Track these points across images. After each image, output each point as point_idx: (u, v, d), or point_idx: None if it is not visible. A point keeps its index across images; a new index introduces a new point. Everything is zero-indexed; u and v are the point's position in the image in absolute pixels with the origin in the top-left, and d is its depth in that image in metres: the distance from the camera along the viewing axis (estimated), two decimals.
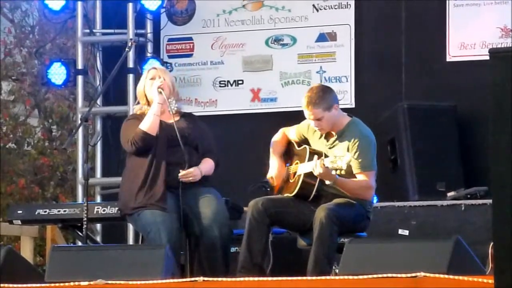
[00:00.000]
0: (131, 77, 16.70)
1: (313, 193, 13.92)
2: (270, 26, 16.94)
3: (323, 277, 12.58)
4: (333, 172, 13.70)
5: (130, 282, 11.91)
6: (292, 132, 14.49)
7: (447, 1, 16.11)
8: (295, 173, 14.06)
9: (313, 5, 16.78)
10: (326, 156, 13.90)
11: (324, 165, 13.54)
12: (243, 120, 15.95)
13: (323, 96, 14.31)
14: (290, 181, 14.19)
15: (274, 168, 14.29)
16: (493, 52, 11.21)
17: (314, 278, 12.70)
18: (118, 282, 12.08)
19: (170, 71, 16.39)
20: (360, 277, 11.89)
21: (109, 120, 17.37)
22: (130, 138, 14.90)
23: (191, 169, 14.45)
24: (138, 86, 15.17)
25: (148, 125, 14.65)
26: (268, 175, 14.32)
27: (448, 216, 14.10)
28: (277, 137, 14.55)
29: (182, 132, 14.66)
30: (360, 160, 13.85)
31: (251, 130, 15.16)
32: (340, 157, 13.40)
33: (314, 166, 13.67)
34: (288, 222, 14.35)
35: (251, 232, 14.06)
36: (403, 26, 16.59)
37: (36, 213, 17.00)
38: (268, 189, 14.42)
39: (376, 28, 16.50)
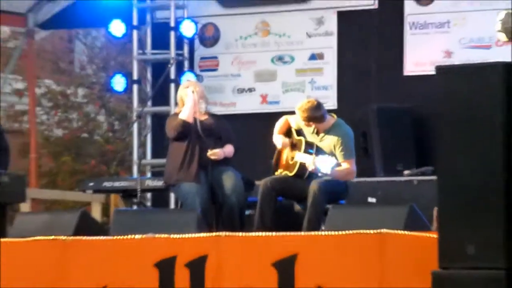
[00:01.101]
0: (172, 86, 16.72)
1: (307, 174, 14.08)
2: (275, 48, 16.94)
3: (314, 233, 12.68)
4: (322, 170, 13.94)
5: (172, 236, 11.94)
6: (293, 121, 14.53)
7: (404, 30, 16.14)
8: (293, 158, 14.21)
9: (307, 33, 16.81)
10: (318, 151, 14.10)
11: (316, 166, 13.71)
12: (255, 118, 16.08)
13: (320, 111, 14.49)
14: (290, 163, 14.30)
15: (279, 139, 14.48)
16: (438, 68, 11.25)
17: (308, 233, 12.81)
18: (163, 235, 12.11)
19: (201, 81, 16.50)
20: (340, 232, 11.95)
21: (156, 117, 17.36)
22: (173, 125, 15.05)
23: (216, 150, 14.60)
24: (178, 93, 15.28)
25: (186, 115, 14.79)
26: (275, 140, 14.52)
27: (405, 189, 14.22)
28: (281, 122, 14.65)
29: (209, 127, 14.90)
30: (343, 153, 13.96)
31: (261, 125, 15.25)
32: (329, 159, 13.63)
33: (310, 163, 13.87)
34: (288, 193, 14.45)
35: (263, 204, 14.20)
36: (373, 48, 16.38)
37: (103, 185, 17.03)
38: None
39: (353, 50, 16.38)
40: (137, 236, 12.40)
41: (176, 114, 15.20)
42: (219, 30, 17.16)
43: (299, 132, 14.31)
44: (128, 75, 17.78)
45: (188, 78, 16.44)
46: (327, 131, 14.08)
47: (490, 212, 10.20)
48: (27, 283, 12.08)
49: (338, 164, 13.77)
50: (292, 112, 14.81)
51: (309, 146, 14.17)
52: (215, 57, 17.27)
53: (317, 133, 14.18)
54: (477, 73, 10.85)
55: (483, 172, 10.23)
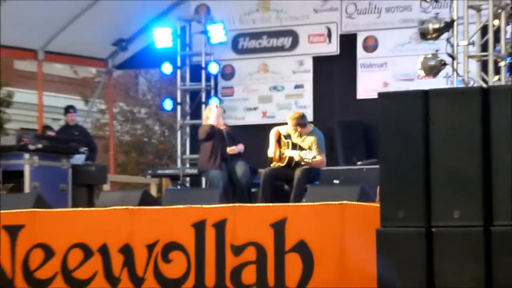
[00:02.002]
0: (203, 106, 16.71)
1: (293, 164, 14.25)
2: (271, 81, 16.93)
3: (297, 203, 12.60)
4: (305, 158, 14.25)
5: (203, 205, 11.94)
6: (283, 129, 14.67)
7: (357, 68, 16.04)
8: (283, 154, 14.38)
9: (292, 70, 16.95)
10: (301, 148, 14.35)
11: (301, 156, 13.92)
12: (258, 128, 16.11)
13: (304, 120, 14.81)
14: (282, 158, 14.43)
15: (273, 147, 14.57)
16: (379, 94, 11.22)
17: (293, 204, 12.86)
18: (195, 205, 12.09)
19: (222, 103, 16.59)
20: (316, 203, 11.88)
21: (192, 127, 17.25)
22: (203, 130, 15.03)
23: (233, 147, 14.70)
24: (204, 112, 15.42)
25: (212, 121, 14.92)
26: (269, 152, 14.60)
27: (358, 174, 14.25)
28: (273, 131, 14.71)
29: (227, 133, 14.88)
30: (318, 149, 14.19)
31: (262, 132, 15.22)
32: (309, 152, 13.99)
33: (296, 155, 14.23)
34: (280, 178, 14.56)
35: (263, 185, 14.41)
36: (336, 80, 16.38)
37: (158, 172, 16.99)
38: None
39: (322, 81, 16.34)
40: (181, 206, 12.39)
41: (204, 125, 15.31)
42: (234, 69, 17.08)
43: (286, 137, 14.38)
44: (174, 99, 17.81)
45: (213, 101, 16.49)
46: (307, 134, 14.35)
47: (412, 189, 10.22)
48: (109, 237, 12.06)
49: (314, 156, 13.91)
50: (282, 124, 14.95)
51: (294, 146, 14.38)
52: (231, 87, 17.22)
53: (300, 135, 14.38)
54: (404, 96, 10.89)
55: (408, 162, 10.25)
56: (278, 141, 14.66)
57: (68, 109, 16.53)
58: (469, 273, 9.97)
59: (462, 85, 11.22)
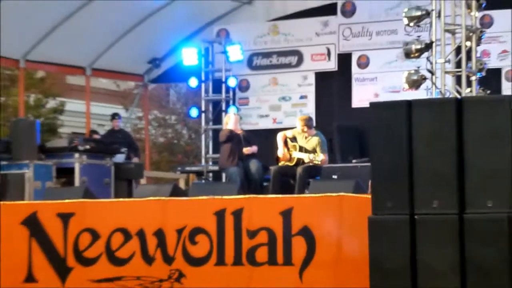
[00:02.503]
0: (223, 114, 16.72)
1: (300, 163, 14.14)
2: (280, 92, 16.94)
3: (302, 195, 12.57)
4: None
5: (223, 197, 11.93)
6: (289, 133, 14.53)
7: (352, 82, 16.06)
8: (291, 155, 14.29)
9: (298, 84, 17.04)
10: (306, 150, 14.24)
11: (310, 159, 13.85)
12: (269, 132, 16.01)
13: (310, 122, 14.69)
14: (291, 158, 14.34)
15: (281, 148, 14.31)
16: (371, 103, 11.20)
17: (298, 195, 12.67)
18: (217, 197, 12.08)
19: (239, 111, 16.66)
20: (317, 195, 11.84)
21: (214, 131, 17.37)
22: (224, 134, 14.97)
23: (248, 148, 14.69)
24: (224, 120, 15.41)
25: (231, 127, 14.89)
26: (278, 152, 14.38)
27: (353, 170, 14.16)
28: (280, 135, 14.47)
29: (243, 136, 14.91)
30: (321, 150, 14.09)
31: (272, 136, 15.13)
32: (317, 156, 13.91)
33: (306, 158, 14.11)
34: (287, 174, 14.25)
35: (273, 180, 14.25)
36: (334, 92, 16.43)
37: (186, 169, 17.16)
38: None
39: (323, 93, 16.33)
40: (204, 197, 12.41)
41: (224, 129, 15.29)
42: (249, 83, 17.09)
43: (292, 140, 14.36)
44: (199, 108, 17.79)
45: (232, 109, 16.53)
46: (311, 136, 14.18)
47: (398, 183, 10.20)
48: (145, 223, 12.09)
49: (322, 158, 13.95)
50: (289, 128, 14.90)
51: (300, 148, 14.28)
52: (247, 98, 17.21)
53: (306, 137, 14.22)
54: (392, 106, 10.88)
55: (394, 161, 10.22)
56: (285, 143, 14.50)
57: (114, 116, 16.62)
58: (445, 253, 9.98)
59: (439, 96, 11.24)
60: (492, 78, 13.35)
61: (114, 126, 16.43)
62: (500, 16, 13.79)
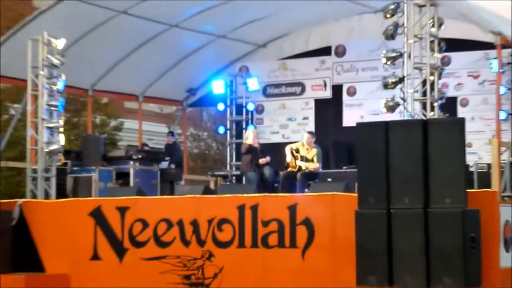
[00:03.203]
0: (243, 131, 16.61)
1: (302, 170, 13.84)
2: (288, 114, 16.73)
3: (303, 194, 12.51)
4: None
5: (244, 195, 11.89)
6: (294, 145, 14.30)
7: (343, 107, 15.95)
8: (295, 163, 14.06)
9: (301, 108, 16.87)
10: (306, 159, 14.05)
11: (306, 167, 13.81)
12: (279, 145, 15.76)
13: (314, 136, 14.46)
14: (295, 165, 14.07)
15: (289, 158, 14.06)
16: (358, 124, 11.21)
17: (300, 194, 12.65)
18: (238, 195, 12.12)
19: (256, 129, 16.40)
20: (315, 193, 11.75)
21: (236, 144, 17.23)
22: (244, 147, 14.86)
23: (263, 159, 14.49)
24: (244, 135, 15.34)
25: (250, 142, 14.72)
26: (287, 159, 14.16)
27: (344, 175, 13.86)
28: (288, 147, 14.24)
29: (259, 149, 14.71)
30: (317, 159, 13.92)
31: (281, 148, 15.03)
32: (311, 164, 13.91)
33: (304, 166, 13.96)
34: (292, 178, 13.95)
35: (283, 184, 14.01)
36: (329, 116, 16.36)
37: (215, 173, 17.00)
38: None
39: (321, 116, 16.40)
40: (229, 195, 12.43)
41: (245, 143, 15.11)
42: (264, 107, 16.99)
43: (297, 151, 14.22)
44: (225, 126, 17.70)
45: (250, 128, 16.38)
46: (311, 148, 14.06)
47: (378, 185, 10.20)
48: (184, 215, 12.06)
49: (315, 167, 13.86)
50: (295, 142, 14.80)
51: (302, 158, 14.05)
52: (262, 118, 17.05)
53: (307, 149, 14.04)
54: (373, 125, 10.88)
55: (375, 167, 10.17)
56: (292, 153, 14.30)
57: (169, 133, 16.62)
58: (414, 239, 10.00)
59: (410, 118, 11.25)
60: (450, 104, 13.29)
61: (169, 140, 16.46)
62: (456, 56, 13.82)
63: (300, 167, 14.13)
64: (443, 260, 9.78)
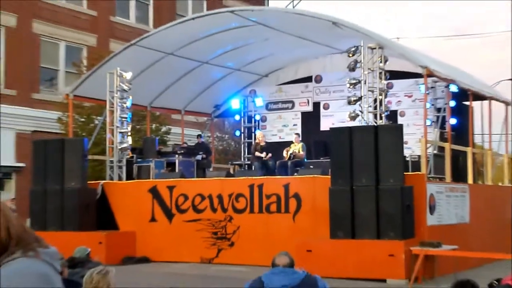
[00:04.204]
0: (253, 134, 16.36)
1: (292, 158, 13.33)
2: (283, 122, 16.32)
3: (294, 176, 12.27)
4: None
5: (253, 177, 11.98)
6: (288, 148, 13.59)
7: (320, 118, 15.84)
8: (288, 152, 13.48)
9: (292, 118, 16.41)
10: (294, 151, 13.32)
11: (294, 151, 13.22)
12: (278, 144, 15.23)
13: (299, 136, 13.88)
14: (286, 155, 13.47)
15: (285, 153, 13.39)
16: (331, 128, 11.29)
17: (292, 176, 12.31)
18: (249, 177, 12.19)
19: (264, 130, 16.06)
20: (302, 176, 11.81)
21: (249, 144, 16.32)
22: (254, 145, 14.46)
23: (267, 155, 13.82)
24: (257, 136, 14.96)
25: (258, 141, 14.30)
26: (284, 155, 13.51)
27: (321, 163, 13.18)
28: (285, 150, 13.48)
29: (265, 147, 14.12)
30: (302, 149, 13.38)
31: (279, 146, 14.83)
32: (297, 150, 13.27)
33: (291, 151, 13.31)
34: (285, 166, 13.20)
35: (279, 169, 13.28)
36: (311, 122, 15.89)
37: (233, 162, 16.57)
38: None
39: (306, 123, 16.02)
40: (243, 177, 12.48)
41: (254, 143, 14.77)
42: (266, 117, 16.62)
43: (289, 148, 13.61)
44: (240, 130, 17.04)
45: (258, 132, 15.55)
46: (298, 144, 13.55)
47: (344, 170, 10.27)
48: (212, 190, 12.11)
49: (298, 152, 13.35)
50: (289, 142, 14.46)
51: (292, 151, 13.47)
52: (265, 125, 16.43)
53: (295, 145, 13.51)
54: (341, 129, 10.95)
55: (343, 159, 10.51)
56: (287, 152, 13.42)
57: (198, 136, 16.31)
58: (369, 207, 10.11)
59: (366, 125, 11.31)
60: (392, 115, 13.26)
61: (199, 141, 16.24)
62: (396, 82, 13.69)
63: (290, 157, 13.39)
64: (388, 221, 9.93)
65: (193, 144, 16.42)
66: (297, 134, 14.35)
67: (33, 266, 1.73)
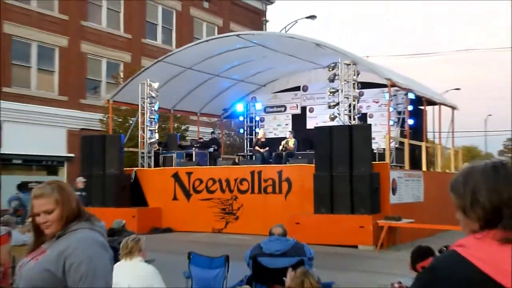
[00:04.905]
0: (254, 132, 16.28)
1: (284, 150, 12.94)
2: (277, 122, 16.15)
3: (286, 165, 12.00)
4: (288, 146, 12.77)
5: (254, 165, 11.88)
6: (283, 143, 13.03)
7: (307, 118, 15.50)
8: (283, 146, 13.13)
9: (284, 119, 16.18)
10: (287, 144, 12.82)
11: (283, 146, 12.74)
12: (274, 139, 14.87)
13: (292, 133, 13.34)
14: (283, 147, 13.06)
15: (281, 146, 13.01)
16: (315, 127, 11.20)
17: (284, 165, 12.04)
18: (251, 165, 12.03)
19: (262, 128, 15.89)
20: (292, 165, 11.68)
21: (251, 139, 16.27)
22: (255, 141, 14.15)
23: (264, 149, 13.45)
24: (259, 133, 14.73)
25: (259, 137, 14.07)
26: (279, 149, 13.15)
27: (308, 155, 12.65)
28: (281, 144, 13.03)
29: (265, 142, 13.84)
30: (293, 143, 13.03)
31: (275, 141, 14.60)
32: (291, 144, 12.93)
33: (284, 144, 12.83)
34: (280, 156, 12.77)
35: (275, 160, 12.66)
36: (300, 122, 15.67)
37: (238, 154, 15.96)
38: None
39: (295, 123, 15.71)
40: (245, 165, 12.36)
41: (256, 139, 14.54)
42: (264, 119, 16.47)
43: (284, 142, 13.28)
44: (244, 128, 16.83)
45: (259, 130, 15.71)
46: (290, 139, 13.12)
47: (325, 159, 10.21)
48: (221, 175, 12.02)
49: (288, 146, 12.97)
50: (283, 138, 14.16)
51: (286, 145, 13.09)
52: (264, 125, 16.27)
53: (288, 140, 13.14)
54: (323, 128, 10.84)
55: (325, 151, 10.38)
56: (284, 142, 12.98)
57: (211, 133, 16.21)
58: (344, 188, 10.08)
59: (342, 124, 11.22)
60: (363, 117, 13.11)
61: (212, 137, 16.10)
62: (366, 91, 13.57)
63: (283, 149, 12.98)
64: (360, 200, 9.92)
65: (208, 139, 16.31)
66: (290, 131, 14.14)
67: (94, 236, 1.92)
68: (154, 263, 4.27)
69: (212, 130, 16.73)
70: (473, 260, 1.16)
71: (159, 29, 21.15)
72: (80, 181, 10.75)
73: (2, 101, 14.67)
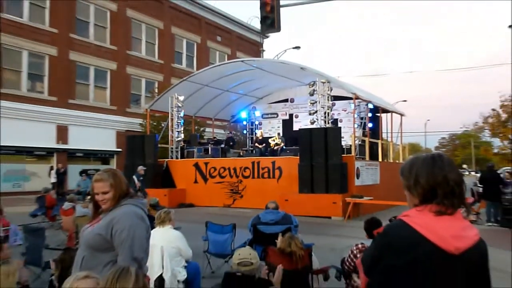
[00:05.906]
0: (254, 132, 16.05)
1: (275, 147, 12.56)
2: (271, 126, 15.89)
3: (279, 157, 11.78)
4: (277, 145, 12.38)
5: (254, 157, 11.61)
6: (273, 140, 12.34)
7: (293, 122, 15.29)
8: (273, 140, 12.70)
9: (276, 123, 15.65)
10: (276, 143, 12.24)
11: (273, 144, 12.11)
12: (267, 138, 14.54)
13: (279, 135, 13.06)
14: (273, 145, 12.67)
15: (273, 142, 12.56)
16: (300, 129, 10.89)
17: (278, 157, 11.83)
18: (251, 157, 11.83)
19: (260, 130, 15.55)
20: (283, 157, 11.54)
21: (251, 138, 15.90)
22: (255, 139, 13.59)
23: (261, 145, 12.92)
24: (258, 132, 14.36)
25: (258, 136, 13.65)
26: (271, 139, 12.36)
27: (294, 150, 12.22)
28: (272, 142, 12.42)
29: (262, 140, 13.41)
30: (281, 141, 12.60)
31: (268, 139, 14.55)
32: (277, 142, 12.54)
33: (274, 143, 12.37)
34: (274, 151, 12.27)
35: (270, 153, 12.04)
36: (288, 125, 15.41)
37: (242, 148, 15.49)
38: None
39: (286, 126, 15.41)
40: (247, 157, 12.11)
41: (255, 137, 14.13)
42: (262, 123, 16.34)
43: (272, 139, 12.93)
44: (246, 130, 16.56)
45: (258, 131, 15.47)
46: (279, 139, 12.77)
47: (306, 152, 10.15)
48: (230, 165, 11.82)
49: (278, 144, 12.49)
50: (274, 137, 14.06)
51: (276, 143, 12.70)
52: (262, 128, 16.13)
53: (277, 139, 12.72)
54: (305, 130, 10.61)
55: (308, 146, 10.23)
56: (272, 140, 12.83)
57: (229, 133, 15.71)
58: (321, 175, 9.93)
59: (319, 127, 11.03)
60: (335, 122, 13.11)
61: (227, 136, 15.74)
62: (337, 102, 13.41)
63: (275, 146, 12.48)
64: (332, 183, 9.82)
65: (223, 138, 15.95)
66: (278, 133, 13.94)
67: (136, 210, 1.96)
68: (181, 229, 4.27)
69: (229, 132, 16.38)
70: (415, 226, 1.21)
71: (184, 56, 21.96)
72: (142, 169, 10.77)
73: (70, 110, 15.85)
